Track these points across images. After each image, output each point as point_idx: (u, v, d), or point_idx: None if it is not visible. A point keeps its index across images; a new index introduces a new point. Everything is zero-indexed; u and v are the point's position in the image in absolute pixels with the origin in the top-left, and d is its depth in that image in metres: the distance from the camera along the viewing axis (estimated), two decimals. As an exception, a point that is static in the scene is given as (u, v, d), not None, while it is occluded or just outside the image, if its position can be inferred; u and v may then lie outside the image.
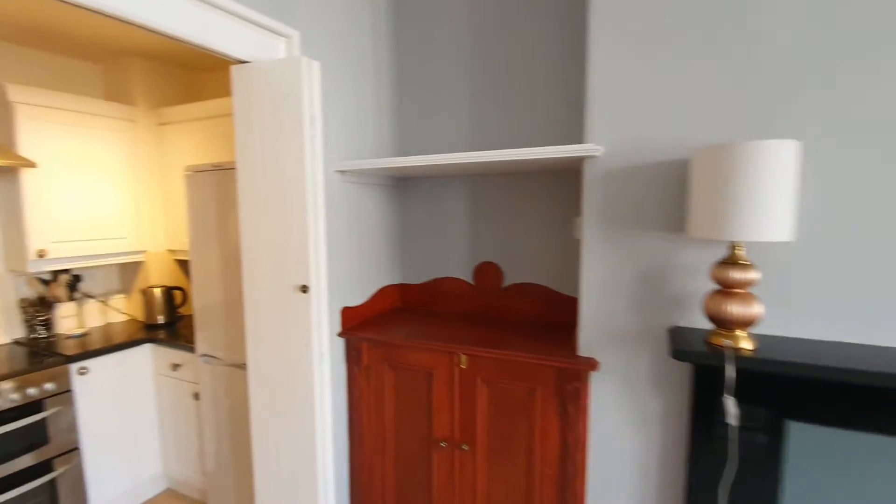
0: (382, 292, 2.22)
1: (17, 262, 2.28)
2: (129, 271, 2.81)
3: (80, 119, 2.36)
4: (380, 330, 1.92)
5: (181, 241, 2.63)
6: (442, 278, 2.28)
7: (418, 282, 2.33)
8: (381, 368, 1.87)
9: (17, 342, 2.37)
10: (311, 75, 1.52)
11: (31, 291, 2.46)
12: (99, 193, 2.46)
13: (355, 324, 2.00)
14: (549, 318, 2.04)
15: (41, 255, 2.22)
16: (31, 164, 2.09)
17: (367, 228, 2.08)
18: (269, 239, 1.61)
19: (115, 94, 2.70)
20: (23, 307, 2.40)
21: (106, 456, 2.26)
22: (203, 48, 1.45)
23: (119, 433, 2.32)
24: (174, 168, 2.64)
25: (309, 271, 1.55)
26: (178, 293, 2.74)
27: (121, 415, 2.32)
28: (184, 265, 2.88)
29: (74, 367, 2.12)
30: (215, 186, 2.02)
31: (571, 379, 1.56)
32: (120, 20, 1.25)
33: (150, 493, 2.49)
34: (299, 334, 1.60)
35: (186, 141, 2.58)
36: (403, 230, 2.35)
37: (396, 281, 2.35)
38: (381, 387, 1.88)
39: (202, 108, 2.49)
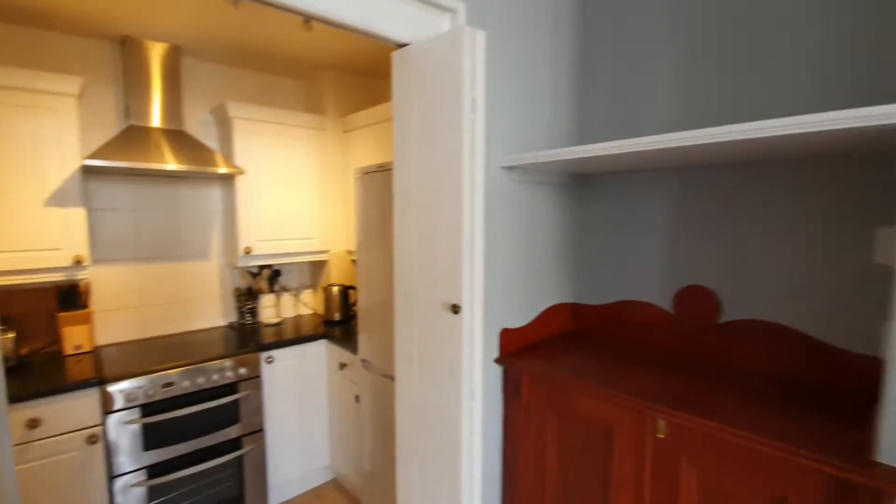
0: (550, 312, 1.85)
1: (231, 257, 2.65)
2: (316, 269, 3.06)
3: (281, 130, 2.61)
4: (545, 360, 1.55)
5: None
6: (628, 301, 1.78)
7: (596, 303, 1.88)
8: (543, 410, 1.50)
9: (230, 326, 2.76)
10: (474, 47, 1.25)
11: (242, 283, 2.85)
12: (292, 198, 2.69)
13: (516, 349, 1.68)
14: (804, 377, 1.36)
15: (247, 251, 2.52)
16: (241, 172, 2.37)
17: (536, 236, 1.74)
18: (420, 248, 1.41)
19: (311, 106, 2.96)
20: (236, 296, 2.78)
21: (284, 441, 2.44)
22: (363, 33, 1.32)
23: (296, 422, 2.48)
24: (353, 173, 2.75)
25: (461, 289, 1.29)
26: (352, 292, 2.85)
27: (298, 405, 2.48)
28: (359, 266, 3.00)
29: (263, 355, 2.33)
30: (380, 187, 1.95)
31: (862, 500, 0.93)
32: (282, 8, 1.18)
33: (317, 482, 2.62)
34: (448, 362, 1.35)
35: (365, 145, 2.64)
36: (580, 239, 1.93)
37: (568, 300, 1.94)
38: (543, 432, 1.51)
39: (377, 111, 2.50)
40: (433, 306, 1.37)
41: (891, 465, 0.92)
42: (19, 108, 1.88)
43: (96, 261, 2.36)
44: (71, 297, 2.21)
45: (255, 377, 2.30)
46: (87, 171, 2.21)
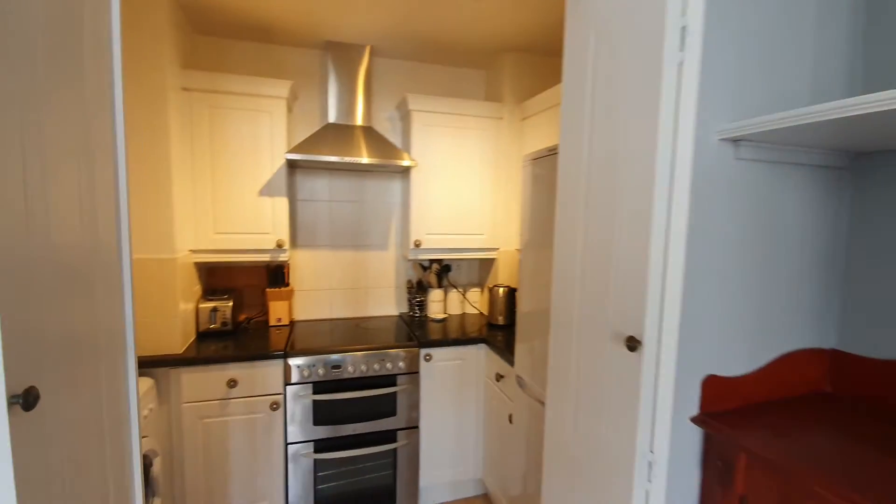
0: (792, 360, 1.24)
1: (404, 249, 2.69)
2: (485, 267, 2.90)
3: (457, 121, 2.51)
4: (777, 434, 1.01)
5: (526, 241, 2.45)
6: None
7: (875, 355, 1.18)
8: (772, 513, 0.96)
9: (400, 316, 2.82)
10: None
11: (415, 275, 2.88)
12: (464, 192, 2.57)
13: (730, 407, 1.15)
14: None
15: (417, 244, 2.51)
16: (414, 164, 2.34)
17: (776, 245, 1.17)
18: (587, 256, 1.05)
19: (491, 95, 2.80)
20: (408, 288, 2.83)
21: (437, 443, 2.35)
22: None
23: (450, 426, 2.36)
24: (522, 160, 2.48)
25: (643, 318, 0.89)
26: (519, 295, 2.58)
27: (453, 409, 2.36)
28: (530, 267, 2.72)
29: (423, 351, 2.27)
30: (551, 175, 1.63)
31: None
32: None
33: (468, 493, 2.46)
34: (616, 413, 0.97)
35: (541, 133, 2.34)
36: (855, 253, 1.24)
37: (825, 345, 1.28)
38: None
39: (556, 92, 2.16)
40: (600, 335, 1.00)
41: None
42: (245, 112, 2.20)
43: (297, 246, 2.67)
44: (277, 275, 2.54)
45: (413, 372, 2.25)
46: (292, 166, 2.51)
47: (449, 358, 2.32)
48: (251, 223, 2.26)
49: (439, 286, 2.84)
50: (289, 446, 2.10)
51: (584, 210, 1.06)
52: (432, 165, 2.50)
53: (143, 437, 1.79)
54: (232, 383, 2.01)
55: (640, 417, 0.90)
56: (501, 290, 2.55)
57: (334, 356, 2.13)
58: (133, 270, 1.85)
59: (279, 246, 2.30)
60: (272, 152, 2.26)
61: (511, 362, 2.01)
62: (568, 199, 1.14)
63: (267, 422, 2.07)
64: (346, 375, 2.14)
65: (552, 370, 1.19)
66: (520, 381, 1.83)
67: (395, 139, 2.74)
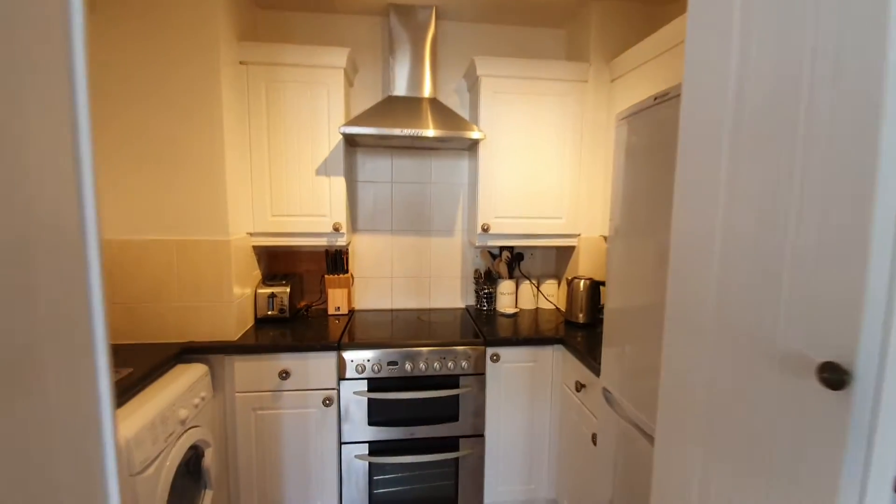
0: None
1: (471, 235, 2.41)
2: (563, 256, 2.54)
3: (532, 86, 2.17)
4: None
5: (615, 226, 2.07)
6: None
7: None
8: None
9: (466, 309, 2.56)
10: None
11: (483, 264, 2.60)
12: (540, 169, 2.23)
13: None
14: None
15: (485, 229, 2.22)
16: (483, 136, 2.05)
17: None
18: (730, 236, 0.70)
19: (573, 54, 2.41)
20: (475, 278, 2.56)
21: (505, 456, 2.06)
22: None
23: (521, 438, 2.07)
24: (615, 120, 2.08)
25: (857, 335, 0.53)
26: (604, 289, 2.20)
27: (523, 418, 2.06)
28: (618, 257, 2.32)
29: (489, 350, 1.99)
30: (656, 136, 1.25)
31: None
32: None
33: (541, 515, 2.15)
34: (788, 472, 0.62)
35: (638, 93, 1.93)
36: None
37: None
38: None
39: (659, 39, 1.75)
40: (756, 354, 0.65)
41: None
42: (302, 85, 2.05)
43: (357, 230, 2.50)
44: (336, 261, 2.39)
45: (479, 374, 1.99)
46: (352, 144, 2.33)
47: (519, 359, 2.02)
48: (308, 205, 2.12)
49: (510, 277, 2.53)
50: (342, 446, 1.94)
51: (728, 176, 0.71)
52: (504, 139, 2.19)
53: (194, 427, 1.72)
54: (284, 374, 1.87)
55: (840, 489, 0.55)
56: (582, 282, 2.19)
57: (392, 351, 1.92)
58: (180, 252, 1.82)
59: (336, 229, 2.13)
60: (329, 128, 2.09)
61: (595, 370, 1.66)
62: (696, 161, 0.79)
63: (319, 418, 1.92)
64: (403, 373, 1.92)
65: (666, 392, 0.85)
66: (607, 396, 1.49)
67: (463, 113, 2.47)
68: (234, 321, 1.93)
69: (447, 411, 1.97)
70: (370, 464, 1.95)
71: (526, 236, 2.28)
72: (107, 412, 0.86)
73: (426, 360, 1.93)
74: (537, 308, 2.56)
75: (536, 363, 2.03)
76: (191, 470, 1.74)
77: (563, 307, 2.46)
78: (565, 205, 2.27)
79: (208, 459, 1.77)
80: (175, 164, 1.81)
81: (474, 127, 2.03)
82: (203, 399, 1.77)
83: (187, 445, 1.63)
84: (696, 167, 0.79)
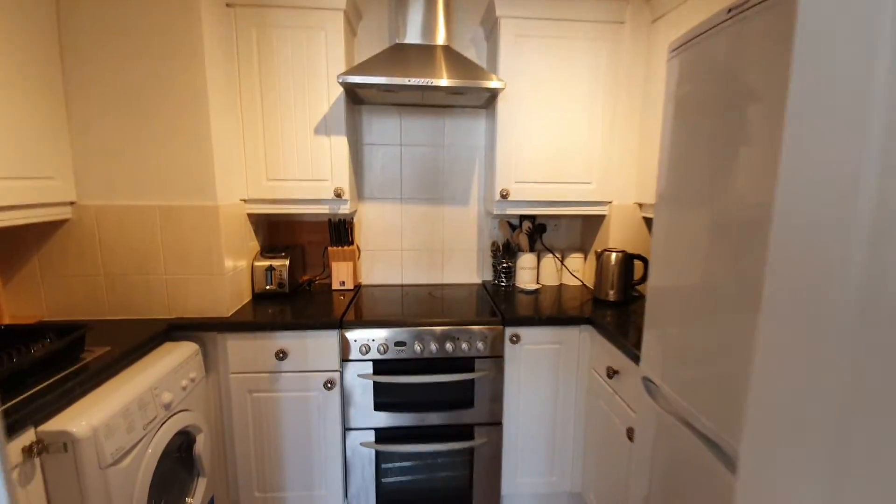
0: None
1: (488, 203, 2.17)
2: (590, 226, 2.29)
3: (559, 29, 1.88)
4: None
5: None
6: None
7: None
8: None
9: (483, 285, 2.34)
10: None
11: (501, 236, 2.36)
12: (566, 126, 1.96)
13: None
14: None
15: (504, 195, 1.98)
16: (503, 86, 1.78)
17: None
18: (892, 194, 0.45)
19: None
20: (492, 251, 2.33)
21: (525, 446, 1.87)
22: None
23: (542, 425, 1.87)
24: (660, 87, 1.78)
25: None
26: (638, 264, 1.96)
27: (545, 404, 1.86)
28: (654, 227, 2.06)
29: (508, 331, 1.78)
30: (726, 64, 0.98)
31: None
32: None
33: (563, 509, 1.97)
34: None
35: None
36: None
37: None
38: None
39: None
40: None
41: None
42: (297, 30, 1.80)
43: (364, 198, 2.28)
44: (340, 232, 2.18)
45: (496, 356, 1.78)
46: (356, 101, 2.09)
47: (542, 340, 1.80)
48: (306, 168, 1.90)
49: (531, 250, 2.30)
50: (347, 432, 1.78)
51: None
52: (526, 91, 1.92)
53: (183, 410, 1.56)
54: (281, 355, 1.70)
55: None
56: (614, 255, 1.94)
57: (400, 330, 1.72)
58: (164, 219, 1.63)
59: (338, 195, 1.92)
60: (329, 81, 1.85)
61: (632, 356, 1.43)
62: (828, 76, 0.54)
63: (321, 402, 1.75)
64: (412, 354, 1.73)
65: (758, 401, 0.63)
66: (648, 386, 1.27)
67: (482, 62, 2.19)
68: (227, 296, 1.75)
69: (461, 397, 1.78)
70: (377, 452, 1.79)
71: (550, 204, 2.03)
72: None
73: (438, 340, 1.73)
74: (561, 284, 2.33)
75: (561, 345, 1.81)
76: (182, 457, 1.60)
77: (590, 283, 2.23)
78: (595, 168, 2.01)
79: (200, 445, 1.62)
80: (155, 121, 1.60)
81: (493, 76, 1.76)
82: (193, 380, 1.60)
83: (174, 431, 1.47)
84: (826, 85, 0.54)
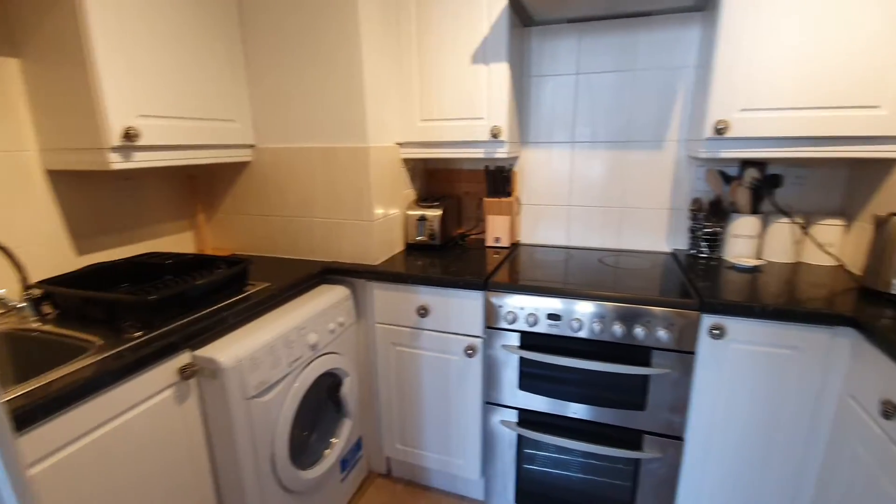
0: None
1: (694, 142, 1.60)
2: (866, 178, 1.50)
3: None
4: None
5: None
6: None
7: None
8: None
9: (674, 255, 1.80)
10: None
11: (707, 191, 1.76)
12: (836, 18, 1.25)
13: None
14: None
15: (720, 129, 1.40)
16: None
17: None
18: None
19: None
20: (692, 211, 1.76)
21: (714, 476, 1.39)
22: None
23: (743, 458, 1.35)
24: None
25: None
26: (966, 242, 1.18)
27: (756, 431, 1.32)
28: None
29: (706, 320, 1.28)
30: None
31: None
32: None
33: (769, 570, 1.43)
34: None
35: None
36: None
37: None
38: None
39: None
40: None
41: None
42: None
43: (528, 143, 1.95)
44: (498, 181, 1.92)
45: (685, 352, 1.32)
46: (526, 22, 1.73)
47: (763, 340, 1.25)
48: (460, 105, 1.67)
49: (754, 211, 1.65)
50: (487, 406, 1.58)
51: None
52: (776, -30, 1.27)
53: (331, 353, 1.58)
54: (422, 311, 1.57)
55: None
56: (914, 224, 1.21)
57: (554, 300, 1.41)
58: (322, 161, 1.66)
59: (495, 136, 1.64)
60: (490, -3, 1.54)
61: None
62: None
63: (462, 368, 1.58)
64: (567, 331, 1.40)
65: None
66: None
67: (699, -52, 1.56)
68: (377, 243, 1.69)
69: (629, 395, 1.39)
70: (520, 436, 1.55)
71: (800, 141, 1.37)
72: None
73: (603, 320, 1.36)
74: (799, 263, 1.63)
75: (796, 352, 1.23)
76: (332, 396, 1.65)
77: (854, 266, 1.49)
78: (889, 84, 1.25)
79: (347, 388, 1.65)
80: (314, 65, 1.56)
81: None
82: (342, 325, 1.61)
83: (320, 371, 1.49)
84: None
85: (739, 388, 1.30)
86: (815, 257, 1.60)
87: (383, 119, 1.66)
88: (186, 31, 1.41)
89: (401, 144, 1.80)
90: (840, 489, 1.17)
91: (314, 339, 1.45)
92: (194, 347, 1.17)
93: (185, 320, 1.19)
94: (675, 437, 1.38)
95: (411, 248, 1.90)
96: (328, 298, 1.57)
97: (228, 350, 1.18)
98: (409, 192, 1.94)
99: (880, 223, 1.28)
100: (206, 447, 1.22)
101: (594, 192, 1.90)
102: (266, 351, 1.27)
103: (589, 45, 1.77)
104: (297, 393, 1.39)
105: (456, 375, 1.60)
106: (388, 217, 1.75)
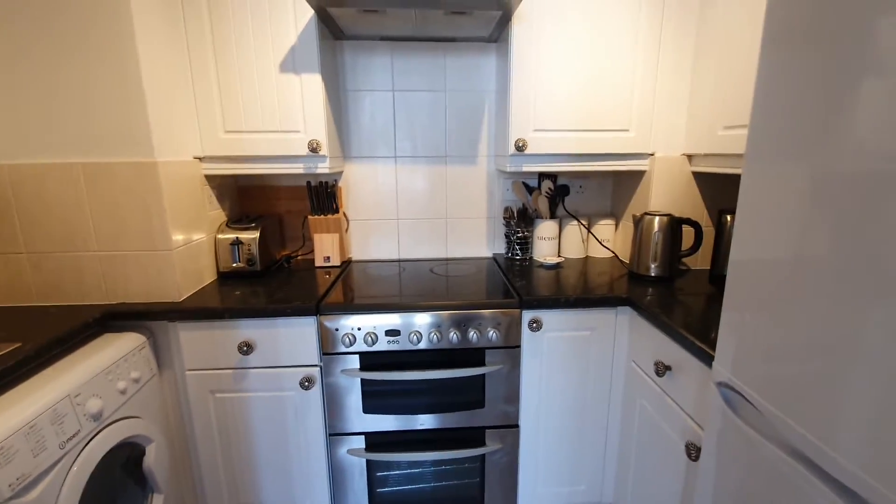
0: None
1: (500, 158, 1.79)
2: (625, 186, 1.90)
3: (592, -73, 1.45)
4: None
5: (715, 136, 1.41)
6: None
7: None
8: None
9: (494, 259, 1.98)
10: None
11: (516, 200, 1.99)
12: (600, 58, 1.55)
13: None
14: None
15: (520, 147, 1.59)
16: (511, 6, 1.37)
17: None
18: None
19: None
20: (506, 219, 1.96)
21: (545, 449, 1.55)
22: None
23: (567, 429, 1.54)
24: (722, 9, 1.35)
25: None
26: (688, 230, 1.58)
27: (572, 404, 1.52)
28: (710, 182, 1.67)
29: (526, 315, 1.43)
30: None
31: None
32: None
33: (592, 523, 1.67)
34: None
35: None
36: None
37: None
38: None
39: None
40: None
41: None
42: (252, -64, 1.39)
43: (351, 157, 1.91)
44: (322, 198, 1.82)
45: (512, 347, 1.44)
46: (336, 34, 1.69)
47: (568, 326, 1.45)
48: (272, 117, 1.53)
49: (552, 216, 1.93)
50: (331, 438, 1.47)
51: None
52: (549, 11, 1.50)
53: (122, 419, 1.25)
54: (245, 348, 1.37)
55: None
56: (657, 220, 1.57)
57: (391, 316, 1.38)
58: (90, 180, 1.27)
59: (314, 150, 1.55)
60: (295, 2, 1.45)
61: (694, 349, 1.08)
62: None
63: (299, 403, 1.44)
64: (408, 345, 1.40)
65: None
66: (727, 395, 0.91)
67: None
68: (179, 276, 1.41)
69: (469, 396, 1.45)
70: (368, 461, 1.48)
71: (576, 158, 1.65)
72: None
73: (439, 328, 1.39)
74: (587, 257, 1.96)
75: (592, 332, 1.46)
76: (132, 472, 1.31)
77: (624, 256, 1.86)
78: (636, 112, 1.61)
79: (151, 458, 1.33)
80: (73, 59, 1.23)
81: (505, -12, 1.35)
82: (136, 381, 1.29)
83: (110, 445, 1.17)
84: None
85: (556, 370, 1.48)
86: (597, 251, 1.94)
87: (174, 129, 1.41)
88: None
89: (200, 159, 1.56)
90: (636, 435, 1.43)
91: (97, 405, 1.13)
92: None
93: None
94: (512, 426, 1.50)
95: (226, 277, 1.66)
96: (114, 351, 1.25)
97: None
98: (218, 214, 1.70)
99: (637, 221, 1.62)
100: None
101: (420, 204, 1.97)
102: (20, 437, 0.93)
103: (402, 64, 1.83)
104: (78, 481, 1.06)
105: (293, 412, 1.44)
106: (191, 244, 1.49)
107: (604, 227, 1.93)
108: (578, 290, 1.48)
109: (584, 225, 1.93)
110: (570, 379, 1.50)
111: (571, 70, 1.55)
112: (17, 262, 1.34)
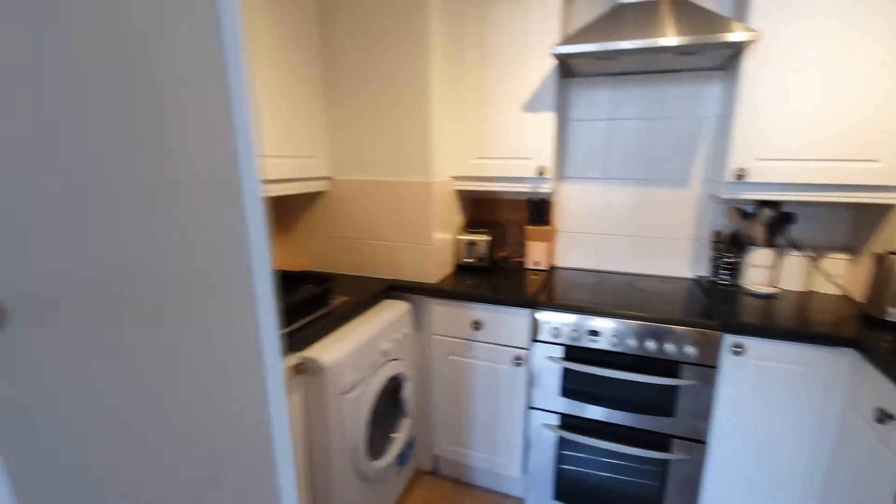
0: None
1: (715, 184, 1.84)
2: (867, 220, 1.72)
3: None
4: None
5: None
6: None
7: None
8: None
9: (696, 281, 2.02)
10: None
11: (727, 224, 1.98)
12: (845, 83, 1.48)
13: None
14: None
15: (740, 175, 1.64)
16: (752, 37, 1.44)
17: None
18: None
19: None
20: (714, 242, 1.98)
21: (735, 476, 1.59)
22: None
23: (761, 460, 1.55)
24: None
25: None
26: (953, 278, 1.39)
27: (772, 437, 1.52)
28: None
29: (729, 339, 1.50)
30: None
31: None
32: None
33: (783, 563, 1.62)
34: None
35: None
36: None
37: None
38: None
39: None
40: None
41: None
42: (512, 5, 1.80)
43: (566, 177, 2.20)
44: (538, 211, 2.17)
45: (708, 366, 1.53)
46: (567, 73, 1.99)
47: (777, 358, 1.47)
48: (512, 146, 1.92)
49: (769, 244, 1.87)
50: (530, 411, 1.80)
51: None
52: (788, 40, 1.52)
53: (395, 359, 1.81)
54: (476, 325, 1.81)
55: None
56: (908, 261, 1.43)
57: (595, 319, 1.63)
58: (388, 193, 1.92)
59: (540, 174, 1.89)
60: (541, 52, 1.80)
61: (930, 402, 1.04)
62: None
63: (509, 376, 1.81)
64: (605, 346, 1.62)
65: None
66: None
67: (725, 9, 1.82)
68: (434, 264, 1.94)
69: (660, 403, 1.60)
70: (560, 438, 1.77)
71: (808, 187, 1.60)
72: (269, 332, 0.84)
73: (637, 336, 1.58)
74: (809, 291, 1.84)
75: (807, 369, 1.44)
76: (393, 398, 1.87)
77: (857, 295, 1.70)
78: (885, 141, 1.48)
79: (407, 390, 1.87)
80: (386, 105, 1.83)
81: (739, 25, 1.44)
82: (404, 335, 1.84)
83: (388, 375, 1.73)
84: None
85: (757, 398, 1.51)
86: (823, 286, 1.81)
87: (443, 157, 1.92)
88: (284, 89, 1.69)
89: (455, 178, 2.05)
90: (840, 481, 1.37)
91: (385, 346, 1.69)
92: (299, 349, 1.42)
93: (290, 328, 1.44)
94: (699, 441, 1.59)
95: (461, 269, 2.14)
96: (393, 312, 1.81)
97: (327, 352, 1.43)
98: (459, 219, 2.20)
99: (879, 259, 1.50)
100: (304, 435, 1.45)
101: (623, 221, 2.14)
102: (354, 355, 1.51)
103: (621, 95, 2.03)
104: (373, 392, 1.62)
105: (504, 382, 1.82)
106: (443, 241, 2.00)
107: (835, 262, 1.79)
108: (792, 323, 1.47)
109: (810, 256, 1.82)
110: (772, 410, 1.50)
111: (808, 98, 1.52)
112: (340, 244, 2.04)
